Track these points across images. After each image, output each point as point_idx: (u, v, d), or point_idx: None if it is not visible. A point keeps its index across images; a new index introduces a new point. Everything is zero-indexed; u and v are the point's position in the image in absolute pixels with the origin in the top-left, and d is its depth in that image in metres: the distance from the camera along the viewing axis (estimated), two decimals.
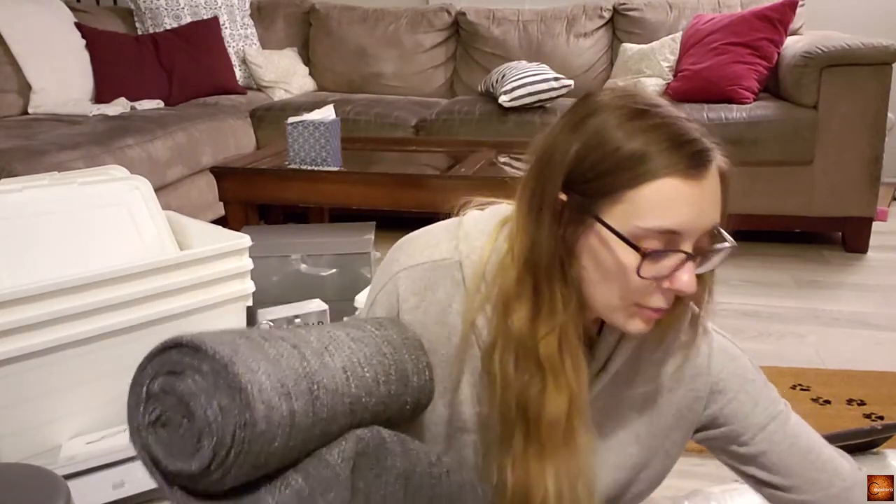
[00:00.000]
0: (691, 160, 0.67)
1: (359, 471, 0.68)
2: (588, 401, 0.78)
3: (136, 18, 3.51)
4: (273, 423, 0.62)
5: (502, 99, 2.83)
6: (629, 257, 0.69)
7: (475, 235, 0.81)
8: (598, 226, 0.70)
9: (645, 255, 0.68)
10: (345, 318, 0.96)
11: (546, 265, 0.73)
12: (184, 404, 0.64)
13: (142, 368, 0.68)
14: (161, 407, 0.66)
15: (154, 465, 0.67)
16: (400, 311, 0.81)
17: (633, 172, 0.67)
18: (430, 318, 0.80)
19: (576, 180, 0.70)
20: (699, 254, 0.71)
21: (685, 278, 0.69)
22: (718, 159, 0.70)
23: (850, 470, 0.90)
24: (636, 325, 0.74)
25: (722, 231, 0.73)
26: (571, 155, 0.70)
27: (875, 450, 1.12)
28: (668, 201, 0.67)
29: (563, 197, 0.71)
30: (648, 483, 0.90)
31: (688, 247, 0.69)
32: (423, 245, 0.83)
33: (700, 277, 0.73)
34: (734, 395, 0.89)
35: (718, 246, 0.72)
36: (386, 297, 0.82)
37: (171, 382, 0.65)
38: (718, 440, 0.90)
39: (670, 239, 0.69)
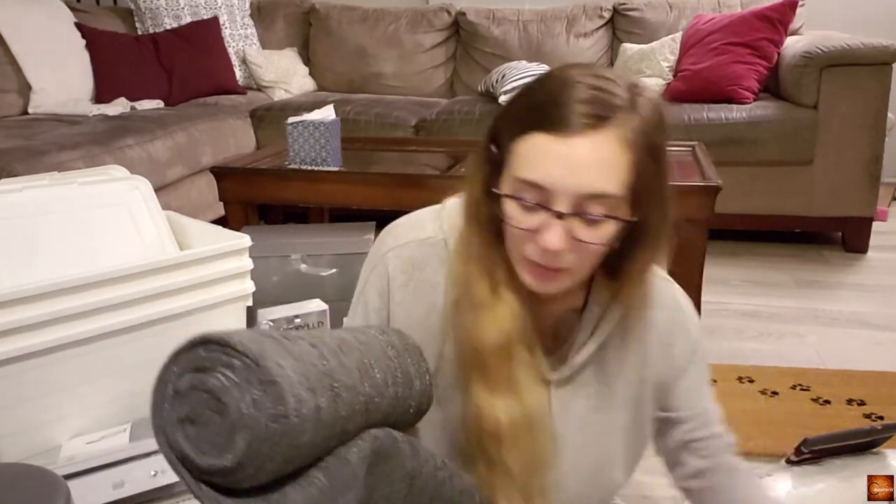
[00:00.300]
0: (565, 120, 0.69)
1: (371, 468, 0.68)
2: (530, 346, 0.81)
3: (136, 18, 3.51)
4: (303, 417, 0.62)
5: (502, 99, 2.84)
6: (504, 202, 0.74)
7: (457, 214, 0.84)
8: (502, 177, 0.75)
9: (500, 196, 0.74)
10: (345, 322, 0.96)
11: (483, 218, 0.78)
12: (215, 399, 0.64)
13: (167, 367, 0.69)
14: (190, 404, 0.66)
15: (181, 463, 0.67)
16: (390, 291, 0.85)
17: (518, 126, 0.73)
18: (419, 295, 0.84)
19: (499, 131, 0.77)
20: (579, 216, 0.71)
21: (549, 235, 0.71)
22: (619, 128, 0.69)
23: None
24: (530, 280, 0.76)
25: (642, 204, 0.73)
26: (505, 105, 0.78)
27: (875, 450, 1.12)
28: (535, 155, 0.71)
29: (493, 148, 0.77)
30: (624, 459, 0.92)
31: (561, 206, 0.70)
32: (410, 226, 0.87)
33: (639, 242, 0.76)
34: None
35: (612, 215, 0.72)
36: (376, 278, 0.86)
37: (201, 379, 0.65)
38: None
39: (543, 195, 0.71)
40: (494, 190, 0.75)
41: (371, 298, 0.87)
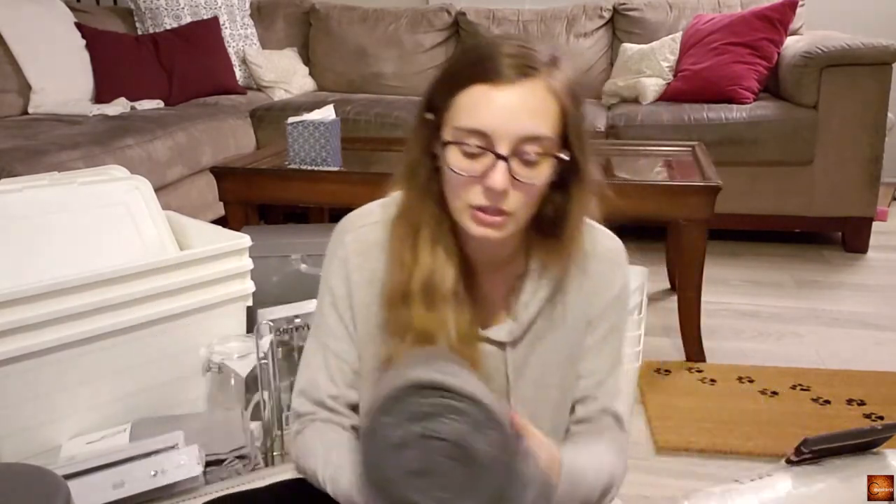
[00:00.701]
0: (499, 70, 0.77)
1: None
2: (458, 306, 0.86)
3: (136, 18, 3.51)
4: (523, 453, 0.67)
5: None
6: (448, 154, 0.79)
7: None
8: (442, 135, 0.81)
9: (447, 143, 0.79)
10: (314, 318, 1.00)
11: (420, 178, 0.85)
12: (455, 446, 0.65)
13: (376, 419, 0.68)
14: (422, 454, 0.66)
15: None
16: (348, 273, 0.91)
17: (454, 82, 0.79)
18: (373, 276, 0.90)
19: (433, 99, 0.83)
20: (518, 156, 0.78)
21: (495, 175, 0.77)
22: (545, 79, 0.78)
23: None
24: (476, 229, 0.81)
25: (571, 146, 0.80)
26: (435, 77, 0.84)
27: (875, 450, 1.12)
28: (475, 104, 0.77)
29: (430, 116, 0.83)
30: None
31: (503, 149, 0.77)
32: (362, 214, 0.94)
33: (570, 186, 0.83)
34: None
35: (541, 154, 0.79)
36: (337, 266, 0.92)
37: (431, 427, 0.66)
38: None
39: (485, 140, 0.77)
40: (444, 138, 0.80)
41: (335, 286, 0.92)
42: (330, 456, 0.86)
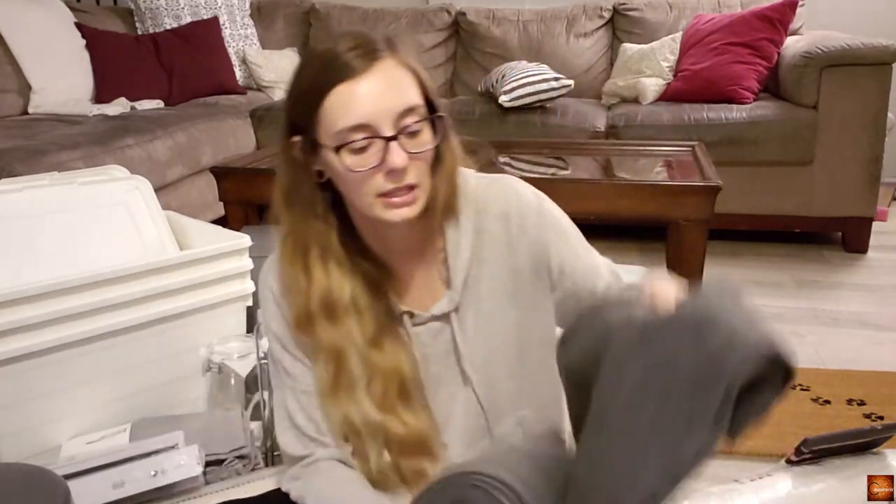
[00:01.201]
0: (350, 65, 0.80)
1: None
2: (351, 300, 0.90)
3: (136, 18, 3.51)
4: None
5: (502, 99, 2.83)
6: (340, 160, 0.82)
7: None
8: (323, 148, 0.84)
9: (337, 147, 0.81)
10: (271, 370, 1.04)
11: (300, 201, 0.88)
12: None
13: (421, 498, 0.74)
14: None
15: None
16: (283, 313, 0.94)
17: (312, 95, 0.82)
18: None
19: (296, 121, 0.86)
20: (403, 132, 0.82)
21: (393, 156, 0.81)
22: (392, 56, 0.83)
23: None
24: (392, 214, 0.84)
25: (436, 106, 0.86)
26: (285, 104, 0.88)
27: (875, 450, 1.12)
28: (344, 103, 0.80)
29: (296, 139, 0.86)
30: (542, 343, 0.96)
31: (387, 131, 0.81)
32: (273, 254, 0.97)
33: (439, 147, 0.87)
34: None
35: (420, 120, 0.83)
36: (272, 308, 0.95)
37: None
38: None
39: (368, 130, 0.81)
40: (329, 146, 0.82)
41: (277, 330, 0.95)
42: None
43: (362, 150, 0.81)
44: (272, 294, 0.95)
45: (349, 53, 0.81)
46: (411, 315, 0.94)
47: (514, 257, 0.93)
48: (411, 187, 0.84)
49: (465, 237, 0.92)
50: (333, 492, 0.90)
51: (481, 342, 0.94)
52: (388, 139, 0.81)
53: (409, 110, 0.82)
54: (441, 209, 0.90)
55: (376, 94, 0.80)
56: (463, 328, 0.93)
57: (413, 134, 0.83)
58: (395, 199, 0.83)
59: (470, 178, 0.95)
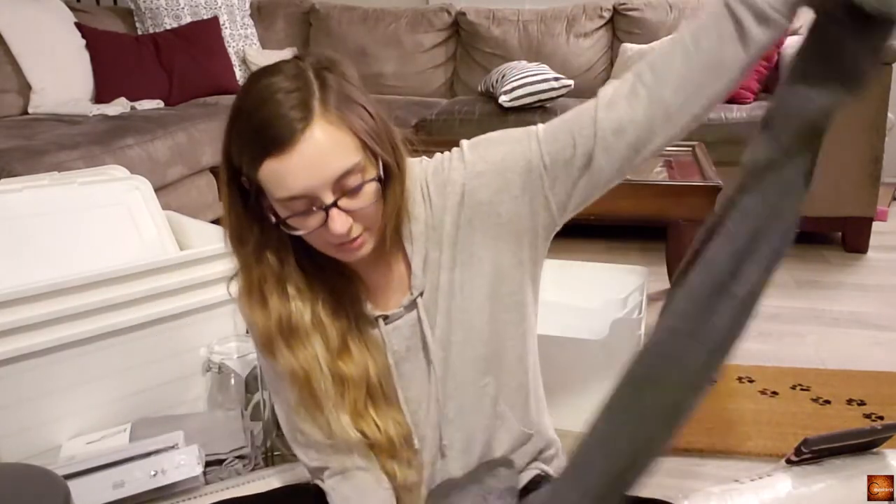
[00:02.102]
0: (281, 137, 0.76)
1: None
2: (311, 319, 0.89)
3: (136, 18, 3.51)
4: None
5: (502, 99, 2.83)
6: (287, 222, 0.82)
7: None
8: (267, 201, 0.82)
9: (279, 223, 0.82)
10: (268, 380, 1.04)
11: (250, 241, 0.87)
12: None
13: None
14: None
15: None
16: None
17: (249, 158, 0.79)
18: None
19: (237, 163, 0.82)
20: (344, 195, 0.80)
21: (334, 224, 0.80)
22: (322, 116, 0.77)
23: None
24: (345, 256, 0.85)
25: (375, 150, 0.82)
26: (224, 138, 0.83)
27: (875, 450, 1.12)
28: (278, 177, 0.78)
29: (244, 180, 0.83)
30: (512, 309, 0.94)
31: (327, 198, 0.79)
32: None
33: (385, 191, 0.84)
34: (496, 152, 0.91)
35: (366, 179, 0.81)
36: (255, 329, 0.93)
37: None
38: (563, 179, 0.90)
39: (307, 200, 0.79)
40: (272, 213, 0.82)
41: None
42: None
43: (304, 213, 0.80)
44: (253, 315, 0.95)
45: (284, 117, 0.76)
46: (385, 317, 0.93)
47: (476, 222, 0.90)
48: (359, 236, 0.84)
49: (416, 226, 0.91)
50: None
51: (452, 319, 0.92)
52: (328, 208, 0.79)
53: (346, 173, 0.79)
54: (391, 233, 0.89)
55: (309, 166, 0.77)
56: (427, 308, 0.92)
57: (354, 191, 0.80)
58: (347, 247, 0.84)
59: (414, 171, 0.92)
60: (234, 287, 0.93)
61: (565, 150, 0.87)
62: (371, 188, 0.82)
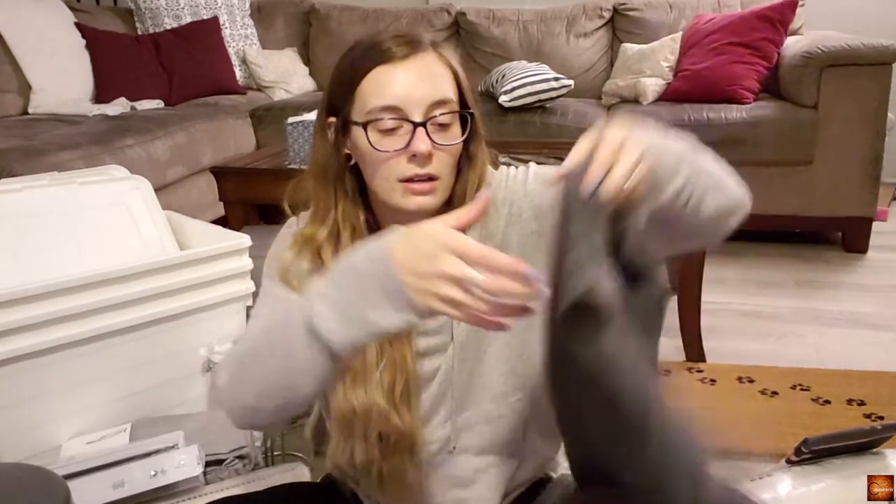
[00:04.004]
0: (392, 50, 0.83)
1: None
2: None
3: (136, 18, 3.52)
4: None
5: (502, 99, 2.83)
6: (367, 137, 0.83)
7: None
8: (353, 126, 0.85)
9: (366, 124, 0.83)
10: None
11: (331, 177, 0.89)
12: None
13: None
14: None
15: None
16: (298, 241, 0.93)
17: (351, 76, 0.85)
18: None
19: (333, 102, 0.88)
20: (432, 121, 0.83)
21: (418, 141, 0.82)
22: (433, 51, 0.85)
23: None
24: (410, 201, 0.85)
25: (469, 104, 0.87)
26: (327, 86, 0.90)
27: (875, 450, 1.12)
28: (381, 84, 0.83)
29: (332, 119, 0.88)
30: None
31: (417, 117, 0.82)
32: (276, 242, 0.99)
33: (469, 149, 0.88)
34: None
35: (451, 112, 0.84)
36: (287, 236, 0.95)
37: None
38: None
39: (399, 113, 0.82)
40: (358, 122, 0.84)
41: (283, 264, 0.93)
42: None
43: (390, 131, 0.83)
44: (293, 238, 0.93)
45: (394, 40, 0.83)
46: None
47: (532, 235, 0.91)
48: (432, 178, 0.84)
49: (489, 242, 0.89)
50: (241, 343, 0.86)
51: (479, 335, 0.92)
52: (417, 125, 0.82)
53: (441, 102, 0.83)
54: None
55: (412, 81, 0.82)
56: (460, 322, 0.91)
57: (442, 126, 0.84)
58: (415, 186, 0.84)
59: (497, 176, 0.95)
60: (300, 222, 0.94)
61: None
62: (456, 131, 0.86)
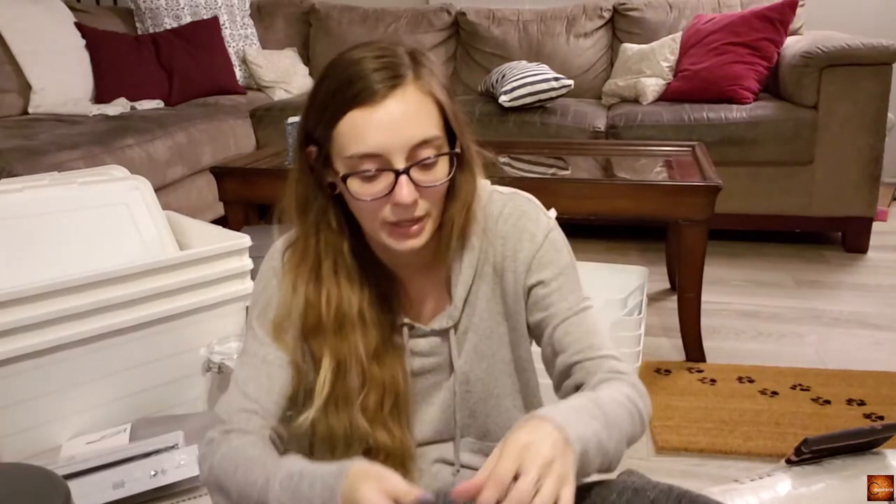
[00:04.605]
0: (369, 90, 0.77)
1: None
2: (358, 313, 0.88)
3: (136, 18, 3.52)
4: None
5: (502, 99, 2.83)
6: (348, 185, 0.80)
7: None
8: (334, 167, 0.81)
9: (345, 178, 0.79)
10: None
11: (311, 210, 0.86)
12: None
13: None
14: None
15: None
16: (277, 281, 0.91)
17: (330, 112, 0.79)
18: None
19: (311, 132, 0.82)
20: (416, 165, 0.79)
21: (401, 191, 0.78)
22: (414, 82, 0.79)
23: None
24: (397, 244, 0.82)
25: (456, 134, 0.83)
26: (303, 110, 0.84)
27: (875, 450, 1.12)
28: (358, 130, 0.77)
29: (312, 149, 0.83)
30: (527, 366, 0.97)
31: (399, 163, 0.78)
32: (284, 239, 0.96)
33: (456, 177, 0.84)
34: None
35: (436, 155, 0.80)
36: (269, 271, 0.93)
37: None
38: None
39: (379, 161, 0.78)
40: (339, 171, 0.80)
41: (266, 305, 0.92)
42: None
43: (371, 178, 0.79)
44: (275, 273, 0.92)
45: (374, 74, 0.77)
46: (411, 327, 0.92)
47: (507, 276, 0.91)
48: (419, 219, 0.81)
49: (470, 255, 0.90)
50: (234, 456, 0.84)
51: (477, 361, 0.93)
52: (398, 172, 0.78)
53: (424, 142, 0.79)
54: (455, 237, 0.88)
55: (392, 124, 0.77)
56: (460, 344, 0.93)
57: (427, 166, 0.80)
58: (401, 230, 0.81)
59: (483, 194, 0.91)
60: (285, 255, 0.91)
61: (535, 316, 0.91)
62: (444, 168, 0.82)
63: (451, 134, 0.83)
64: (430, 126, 0.79)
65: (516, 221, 0.90)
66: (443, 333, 0.92)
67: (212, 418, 0.90)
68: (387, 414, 0.90)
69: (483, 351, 0.93)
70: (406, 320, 0.92)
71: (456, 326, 0.92)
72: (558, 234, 0.92)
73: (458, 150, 0.83)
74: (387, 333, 0.91)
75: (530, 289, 0.90)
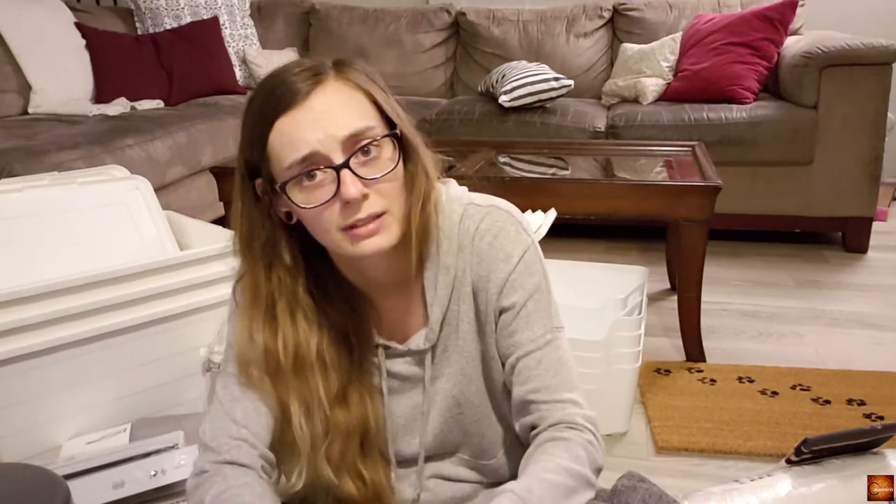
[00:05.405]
0: (291, 92, 0.74)
1: None
2: (316, 355, 0.84)
3: (136, 18, 3.52)
4: None
5: (502, 99, 2.83)
6: (291, 198, 0.76)
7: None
8: (277, 187, 0.77)
9: (278, 190, 0.76)
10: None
11: (258, 247, 0.82)
12: None
13: None
14: None
15: None
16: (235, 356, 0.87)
17: (259, 132, 0.77)
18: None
19: (250, 163, 0.80)
20: (355, 157, 0.75)
21: (346, 188, 0.74)
22: (336, 77, 0.76)
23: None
24: (360, 247, 0.77)
25: (394, 124, 0.79)
26: (238, 145, 0.82)
27: (875, 450, 1.12)
28: (288, 135, 0.74)
29: (258, 181, 0.80)
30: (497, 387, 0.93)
31: (337, 159, 0.74)
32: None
33: (407, 169, 0.80)
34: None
35: (373, 141, 0.76)
36: (229, 345, 0.89)
37: None
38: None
39: (318, 161, 0.74)
40: (279, 182, 0.77)
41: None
42: None
43: (314, 183, 0.75)
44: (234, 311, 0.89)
45: (295, 77, 0.75)
46: (387, 348, 0.90)
47: (480, 297, 0.88)
48: (377, 215, 0.76)
49: (445, 276, 0.86)
50: (229, 501, 0.80)
51: (466, 384, 0.91)
52: (338, 168, 0.74)
53: (359, 133, 0.75)
54: (418, 236, 0.82)
55: (319, 119, 0.73)
56: (441, 367, 0.90)
57: (369, 160, 0.76)
58: (360, 231, 0.76)
59: (457, 208, 0.87)
60: (239, 295, 0.87)
61: (503, 345, 0.89)
62: (388, 156, 0.77)
63: (389, 125, 0.80)
64: (361, 116, 0.76)
65: (492, 240, 0.86)
66: (420, 354, 0.90)
67: (200, 443, 0.86)
68: (352, 461, 0.87)
69: (471, 374, 0.91)
70: (381, 341, 0.90)
71: (434, 347, 0.89)
72: (534, 254, 0.87)
73: (397, 132, 0.79)
74: (350, 372, 0.88)
75: (500, 312, 0.87)
